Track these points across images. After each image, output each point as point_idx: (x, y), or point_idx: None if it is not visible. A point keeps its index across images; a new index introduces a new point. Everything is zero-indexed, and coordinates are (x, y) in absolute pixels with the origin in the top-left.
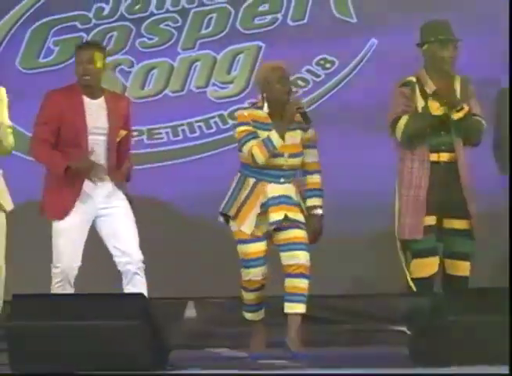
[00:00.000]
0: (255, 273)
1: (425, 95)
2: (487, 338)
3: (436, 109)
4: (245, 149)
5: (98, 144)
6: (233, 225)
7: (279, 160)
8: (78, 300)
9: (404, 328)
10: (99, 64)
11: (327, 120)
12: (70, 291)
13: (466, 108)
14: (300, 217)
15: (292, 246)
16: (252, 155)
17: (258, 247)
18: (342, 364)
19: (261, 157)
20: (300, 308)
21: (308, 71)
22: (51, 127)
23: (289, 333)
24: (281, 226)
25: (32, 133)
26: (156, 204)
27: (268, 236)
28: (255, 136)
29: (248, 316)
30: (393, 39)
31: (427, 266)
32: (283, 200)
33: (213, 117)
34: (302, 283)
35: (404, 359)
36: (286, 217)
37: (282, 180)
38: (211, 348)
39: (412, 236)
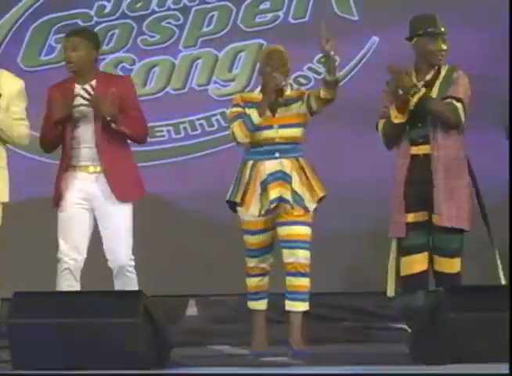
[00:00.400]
0: (257, 262)
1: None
2: (487, 336)
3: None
4: (230, 128)
5: (84, 130)
6: (241, 212)
7: (270, 133)
8: (79, 297)
9: (404, 325)
10: (81, 51)
11: (328, 117)
12: (76, 285)
13: (421, 92)
14: (289, 196)
15: (292, 243)
16: (233, 133)
17: (262, 239)
18: (342, 362)
19: (240, 134)
20: (301, 306)
21: (310, 69)
22: (50, 121)
23: (291, 331)
24: (282, 220)
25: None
26: (158, 201)
27: (273, 227)
28: (242, 117)
29: (250, 304)
30: (394, 37)
31: (416, 263)
32: (279, 176)
33: (214, 115)
34: (302, 282)
35: (404, 356)
36: (281, 197)
37: (277, 155)
38: (213, 346)
39: (395, 235)
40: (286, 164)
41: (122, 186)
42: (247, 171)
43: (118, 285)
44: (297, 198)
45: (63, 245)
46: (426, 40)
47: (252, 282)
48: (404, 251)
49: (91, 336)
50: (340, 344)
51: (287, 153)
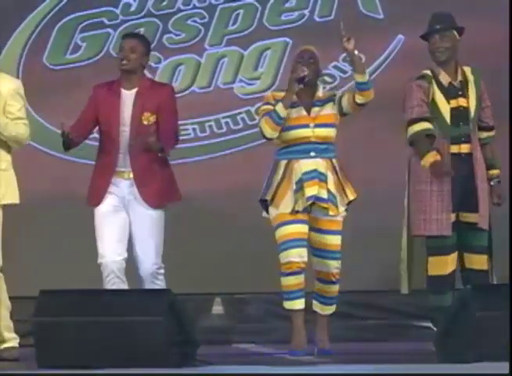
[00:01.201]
0: (294, 255)
1: (441, 87)
2: None
3: (454, 101)
4: (259, 125)
5: (122, 135)
6: (272, 210)
7: (305, 132)
8: (105, 295)
9: (429, 324)
10: (136, 54)
11: (353, 115)
12: (122, 285)
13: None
14: (324, 195)
15: (325, 253)
16: (260, 130)
17: (298, 229)
18: (367, 360)
19: (266, 128)
20: (329, 309)
21: (335, 67)
22: (81, 118)
23: (318, 330)
24: (318, 227)
25: None
26: (183, 200)
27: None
28: (270, 114)
29: (285, 304)
30: (419, 35)
31: (448, 264)
32: (315, 175)
33: (240, 113)
34: (332, 289)
35: (430, 355)
36: (318, 196)
37: (312, 154)
38: (238, 344)
39: (440, 233)
40: (321, 164)
41: (154, 192)
42: (281, 171)
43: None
44: (332, 198)
45: (102, 250)
46: (431, 39)
47: (288, 281)
48: (435, 251)
49: (117, 334)
50: (366, 342)
51: (322, 152)
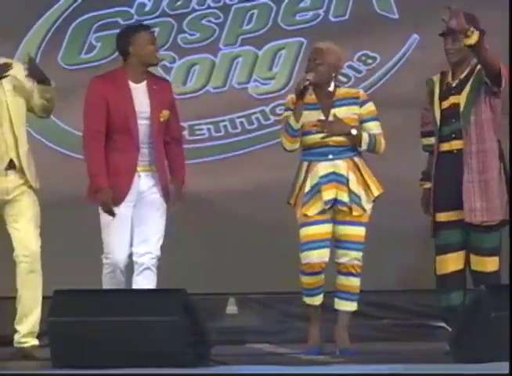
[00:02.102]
0: (314, 256)
1: (441, 90)
2: None
3: (445, 102)
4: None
5: (141, 129)
6: (296, 210)
7: (322, 137)
8: (119, 295)
9: (444, 324)
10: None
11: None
12: (122, 279)
13: (476, 33)
14: (345, 198)
15: (346, 244)
16: (281, 142)
17: (319, 229)
18: (382, 360)
19: (285, 142)
20: (350, 306)
21: (350, 67)
22: (99, 116)
23: (338, 329)
24: (339, 219)
25: (83, 128)
26: (197, 199)
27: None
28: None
29: (306, 299)
30: (434, 35)
31: (450, 262)
32: (332, 178)
33: (254, 113)
34: (353, 282)
35: (445, 355)
36: (335, 199)
37: (330, 156)
38: (252, 344)
39: (432, 236)
40: (340, 165)
41: (167, 183)
42: (302, 173)
43: (142, 280)
44: (355, 198)
45: (112, 247)
46: (444, 40)
47: (306, 280)
48: (438, 250)
49: (131, 334)
50: (381, 342)
51: (341, 154)
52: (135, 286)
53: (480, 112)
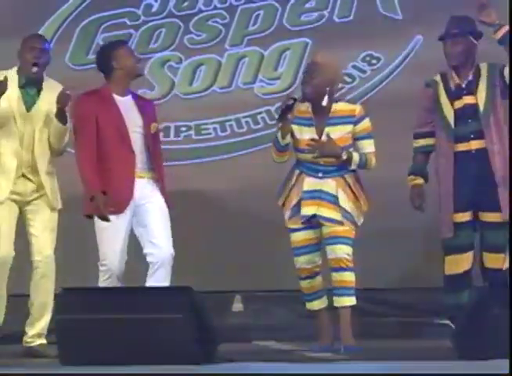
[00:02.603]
0: (302, 261)
1: (448, 91)
2: None
3: (458, 101)
4: None
5: (136, 141)
6: (284, 214)
7: (313, 156)
8: (126, 293)
9: (448, 321)
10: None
11: (373, 115)
12: (119, 284)
13: (505, 27)
14: (334, 215)
15: (331, 240)
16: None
17: (303, 236)
18: (387, 357)
19: (273, 155)
20: (348, 301)
21: (354, 67)
22: (89, 128)
23: (341, 327)
24: (313, 223)
25: (76, 141)
26: (204, 198)
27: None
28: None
29: (307, 305)
30: (438, 35)
31: (462, 262)
32: (316, 195)
33: (260, 113)
34: (346, 276)
35: (448, 352)
36: (315, 214)
37: (320, 175)
38: (259, 342)
39: (444, 236)
40: (330, 184)
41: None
42: (293, 179)
43: (155, 280)
44: (347, 215)
45: (109, 253)
46: (444, 44)
47: (303, 284)
48: (450, 250)
49: (139, 332)
50: (386, 339)
51: (331, 173)
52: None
53: (496, 112)
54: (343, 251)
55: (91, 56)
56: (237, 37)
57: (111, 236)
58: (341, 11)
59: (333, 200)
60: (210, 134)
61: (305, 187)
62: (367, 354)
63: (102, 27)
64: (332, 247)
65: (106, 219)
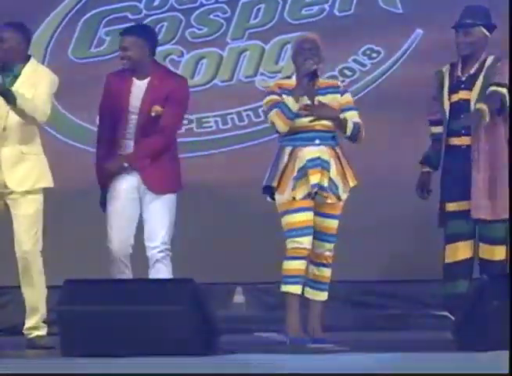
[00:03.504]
0: (302, 242)
1: (451, 82)
2: None
3: (454, 95)
4: (269, 119)
5: (131, 123)
6: (278, 196)
7: (310, 120)
8: (128, 285)
9: (447, 313)
10: (136, 49)
11: (373, 109)
12: (125, 270)
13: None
14: (325, 183)
15: (321, 235)
16: (272, 124)
17: (305, 217)
18: (385, 349)
19: (280, 123)
20: (322, 296)
21: (355, 61)
22: (107, 117)
23: (310, 318)
24: (318, 209)
25: (98, 128)
26: (205, 190)
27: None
28: (279, 106)
29: (290, 288)
30: (438, 29)
31: (459, 251)
32: (318, 163)
33: (261, 106)
34: (324, 273)
35: (448, 343)
36: (320, 185)
37: (317, 142)
38: (260, 333)
39: (439, 225)
40: (325, 152)
41: (157, 179)
42: (285, 157)
43: (155, 274)
44: (332, 186)
45: (111, 235)
46: (456, 33)
47: (291, 265)
48: (448, 238)
49: (140, 323)
50: (384, 331)
51: (327, 140)
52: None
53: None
54: (328, 248)
55: (94, 50)
56: (238, 31)
57: (114, 219)
58: (342, 5)
59: (327, 168)
60: (211, 127)
61: (307, 156)
62: (366, 346)
63: (105, 20)
64: (318, 242)
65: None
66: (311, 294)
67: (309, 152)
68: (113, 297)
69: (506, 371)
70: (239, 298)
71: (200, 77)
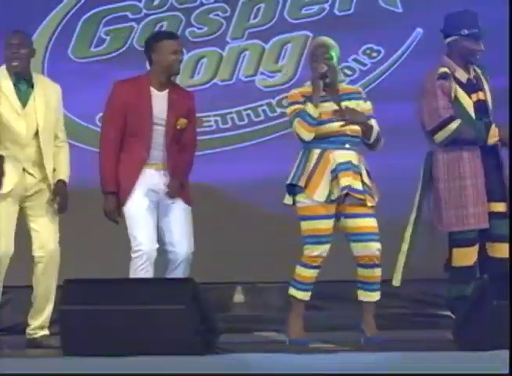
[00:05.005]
0: (323, 250)
1: (461, 84)
2: None
3: (474, 95)
4: (293, 129)
5: (155, 133)
6: (302, 198)
7: (340, 125)
8: (129, 284)
9: (448, 312)
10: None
11: (373, 108)
12: (151, 273)
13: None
14: (359, 186)
15: (363, 236)
16: (297, 134)
17: (326, 225)
18: (388, 348)
19: (302, 131)
20: (376, 296)
21: (355, 60)
22: (118, 123)
23: (364, 319)
24: (351, 212)
25: (101, 129)
26: (205, 190)
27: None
28: (300, 115)
29: (300, 294)
30: (438, 28)
31: (472, 255)
32: (349, 166)
33: (261, 106)
34: (375, 273)
35: (448, 343)
36: (351, 187)
37: (347, 146)
38: (259, 333)
39: (478, 226)
40: (354, 156)
41: (182, 188)
42: (314, 159)
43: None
44: (367, 189)
45: (141, 238)
46: (468, 40)
47: (308, 273)
48: (461, 242)
49: (141, 323)
50: (387, 330)
51: (355, 145)
52: None
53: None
54: (376, 248)
55: (94, 49)
56: (238, 31)
57: (140, 221)
58: (342, 4)
59: (359, 172)
60: (211, 126)
61: (338, 160)
62: (368, 345)
63: (105, 20)
64: (366, 244)
65: (113, 220)
66: (363, 295)
67: (340, 155)
68: (113, 296)
69: (506, 371)
70: (239, 297)
71: (200, 76)
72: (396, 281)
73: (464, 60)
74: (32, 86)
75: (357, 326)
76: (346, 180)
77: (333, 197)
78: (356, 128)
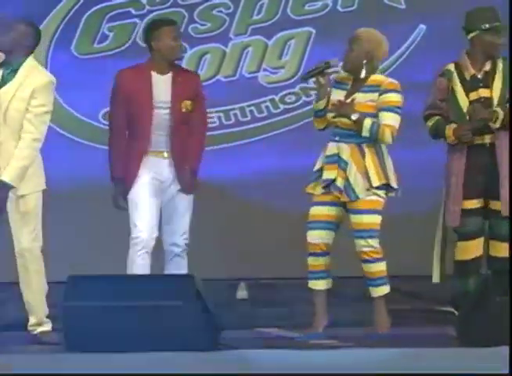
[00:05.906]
0: (313, 236)
1: (463, 81)
2: None
3: (474, 93)
4: None
5: (157, 117)
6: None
7: (332, 117)
8: (132, 281)
9: (451, 309)
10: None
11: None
12: (148, 261)
13: (500, 116)
14: (340, 183)
15: (355, 233)
16: None
17: (322, 211)
18: (390, 344)
19: (314, 120)
20: (379, 291)
21: None
22: (122, 110)
23: (377, 315)
24: (348, 207)
25: (109, 118)
26: (209, 186)
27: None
28: None
29: (309, 283)
30: (441, 25)
31: (471, 249)
32: (335, 160)
33: (264, 102)
34: (371, 268)
35: (450, 339)
36: (331, 180)
37: (337, 138)
38: (263, 329)
39: (452, 224)
40: (344, 150)
41: (188, 174)
42: (325, 147)
43: (174, 268)
44: (347, 185)
45: (140, 226)
46: (490, 34)
47: (309, 260)
48: (460, 236)
49: (143, 319)
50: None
51: (346, 138)
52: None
53: (505, 108)
54: (361, 245)
55: (97, 45)
56: (241, 27)
57: (141, 209)
58: (345, 0)
59: (345, 168)
60: (214, 123)
61: (327, 152)
62: (368, 341)
63: (108, 16)
64: (365, 240)
65: (119, 207)
66: (370, 291)
67: (329, 148)
68: (116, 293)
69: (506, 371)
70: (242, 293)
71: (203, 72)
72: (435, 278)
73: (486, 54)
74: (15, 71)
75: (368, 322)
76: (328, 173)
77: (313, 191)
78: (346, 121)
